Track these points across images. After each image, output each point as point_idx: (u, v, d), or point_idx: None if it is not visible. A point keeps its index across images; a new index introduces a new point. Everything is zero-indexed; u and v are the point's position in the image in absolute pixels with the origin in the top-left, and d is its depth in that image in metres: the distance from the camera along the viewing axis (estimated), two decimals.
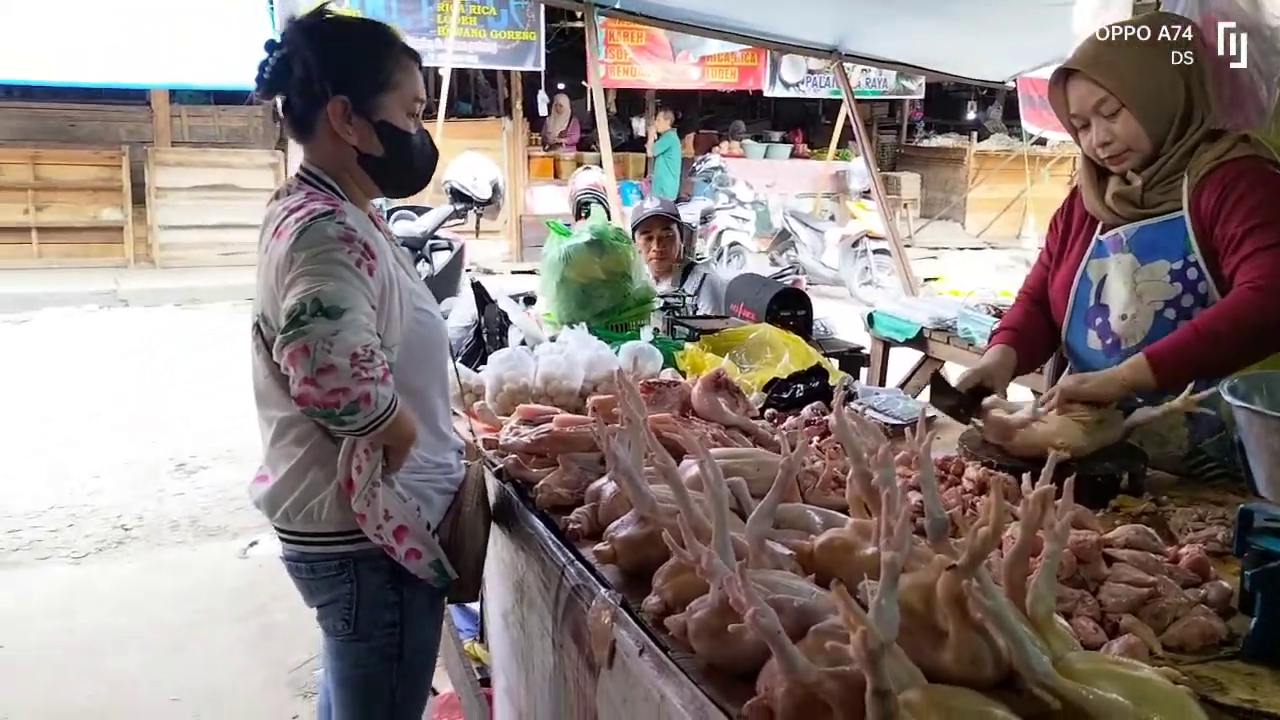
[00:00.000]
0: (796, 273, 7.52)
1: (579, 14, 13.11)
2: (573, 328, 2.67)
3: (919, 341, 4.04)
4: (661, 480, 1.49)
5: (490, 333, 2.70)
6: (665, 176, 13.53)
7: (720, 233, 11.32)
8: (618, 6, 5.80)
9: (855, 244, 11.75)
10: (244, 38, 10.58)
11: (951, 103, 19.28)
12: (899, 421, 2.36)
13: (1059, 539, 1.24)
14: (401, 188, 1.95)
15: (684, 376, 2.53)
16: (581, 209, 6.76)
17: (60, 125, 11.76)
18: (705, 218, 11.10)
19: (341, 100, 1.78)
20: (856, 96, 13.93)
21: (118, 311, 9.91)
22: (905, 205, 15.71)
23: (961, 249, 16.10)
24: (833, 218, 14.17)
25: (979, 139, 17.29)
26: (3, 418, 6.34)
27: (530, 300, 4.90)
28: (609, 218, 6.86)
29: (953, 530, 1.37)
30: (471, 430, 2.18)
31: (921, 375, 4.22)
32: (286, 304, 1.62)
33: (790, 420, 2.35)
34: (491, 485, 2.07)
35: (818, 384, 2.44)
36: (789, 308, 3.61)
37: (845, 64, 6.44)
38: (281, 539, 1.89)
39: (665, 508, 1.48)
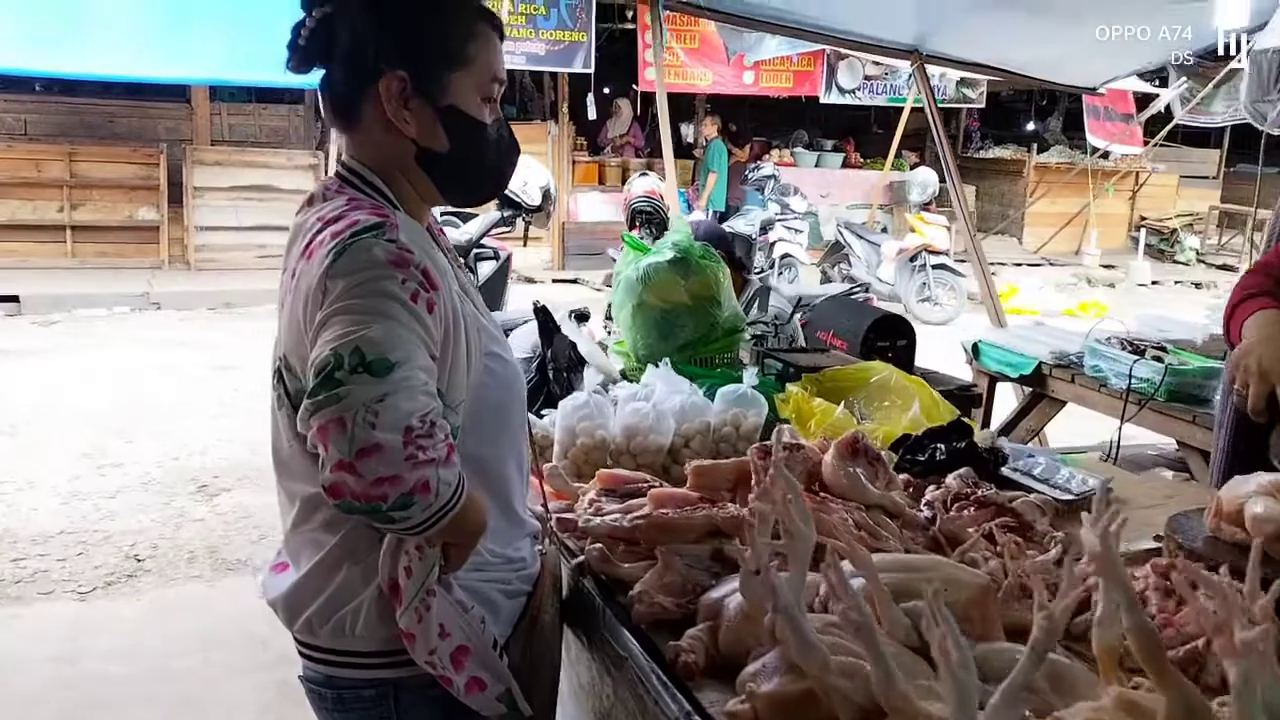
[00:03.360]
0: (866, 290, 7.01)
1: (630, 14, 12.73)
2: (657, 365, 2.21)
3: (1036, 378, 3.54)
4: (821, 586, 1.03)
5: (558, 369, 2.24)
6: (714, 185, 13.07)
7: (772, 244, 10.83)
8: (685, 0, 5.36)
9: (913, 259, 11.25)
10: (287, 35, 10.29)
11: (1009, 113, 18.69)
12: (1069, 496, 1.88)
13: None
14: (470, 193, 1.49)
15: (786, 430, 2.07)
16: (636, 218, 6.32)
17: (98, 121, 11.49)
18: (765, 228, 10.58)
19: (399, 77, 1.34)
20: (915, 105, 13.48)
21: (149, 315, 9.60)
22: (965, 216, 15.10)
23: (1019, 264, 15.46)
24: (884, 230, 13.63)
25: (1038, 151, 16.66)
26: (21, 430, 5.99)
27: (583, 317, 4.41)
28: (665, 229, 6.42)
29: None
30: (544, 503, 1.70)
31: (1035, 419, 3.70)
32: (317, 354, 1.18)
33: (931, 492, 1.88)
34: (564, 573, 1.61)
35: (963, 444, 1.96)
36: (887, 337, 3.15)
37: (924, 67, 5.95)
38: (302, 654, 1.43)
39: (842, 663, 1.02)
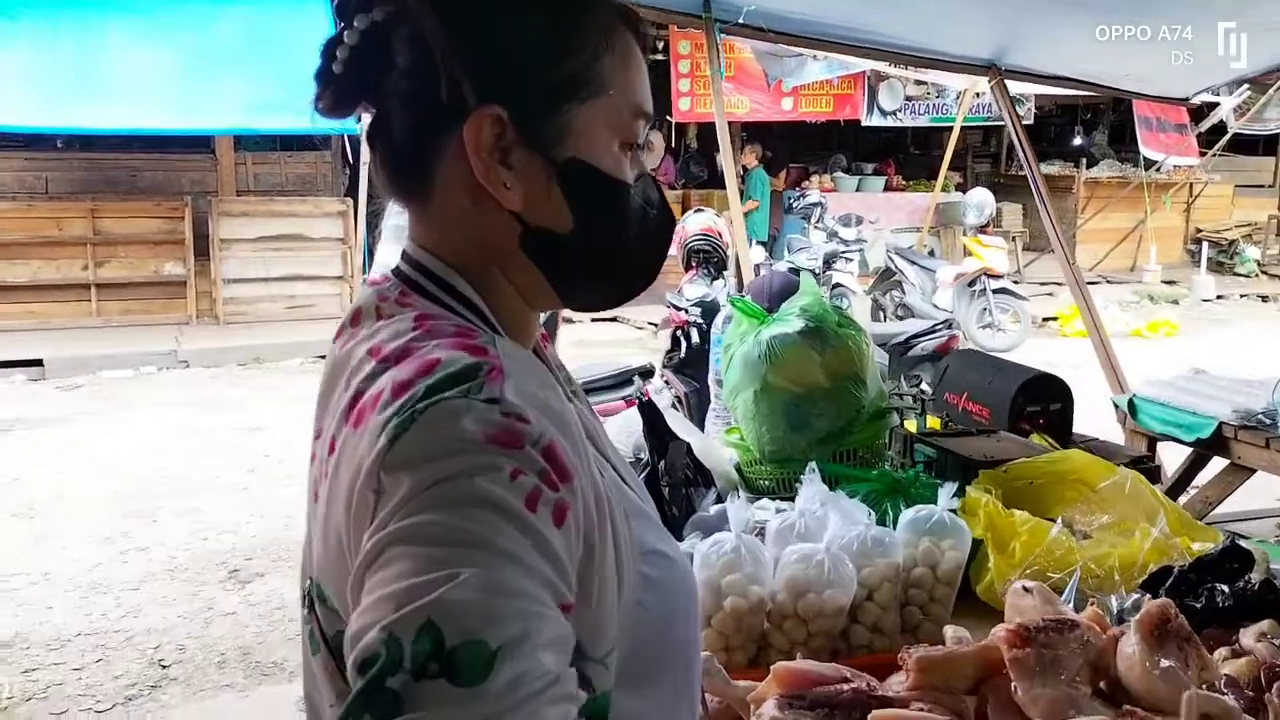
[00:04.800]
0: (949, 327, 6.44)
1: (661, 45, 12.33)
2: (788, 464, 1.70)
3: (1215, 441, 2.98)
4: None
5: (674, 486, 1.70)
6: (755, 214, 12.58)
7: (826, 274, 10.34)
8: (741, 21, 4.88)
9: (972, 283, 10.72)
10: (310, 80, 9.95)
11: (1051, 128, 18.08)
12: None
13: None
14: (606, 293, 0.96)
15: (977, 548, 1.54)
16: (692, 258, 5.84)
17: (121, 176, 11.21)
18: (829, 262, 10.09)
19: (493, 115, 0.83)
20: (964, 124, 12.97)
21: (176, 374, 9.20)
22: (1013, 238, 14.53)
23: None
24: (931, 253, 13.09)
25: (1087, 165, 16.05)
26: (39, 512, 5.55)
27: (646, 374, 3.90)
28: (725, 268, 5.92)
29: None
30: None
31: (1215, 489, 3.12)
32: (360, 629, 0.65)
33: (1226, 661, 1.34)
34: None
35: (1251, 583, 1.42)
36: (1038, 400, 2.62)
37: (1004, 83, 5.43)
38: None
39: None
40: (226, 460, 6.44)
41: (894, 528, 1.63)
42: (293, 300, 10.93)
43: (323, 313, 10.95)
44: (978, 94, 11.83)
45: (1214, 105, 12.04)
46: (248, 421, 7.41)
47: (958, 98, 12.66)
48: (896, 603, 1.47)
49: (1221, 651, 1.36)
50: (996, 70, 5.36)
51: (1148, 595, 1.49)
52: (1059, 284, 14.65)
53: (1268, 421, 2.81)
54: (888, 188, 15.05)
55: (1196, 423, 2.99)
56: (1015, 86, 9.06)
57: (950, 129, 12.97)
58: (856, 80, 12.64)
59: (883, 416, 2.00)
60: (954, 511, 1.54)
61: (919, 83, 12.70)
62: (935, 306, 10.91)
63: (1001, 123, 15.42)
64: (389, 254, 3.85)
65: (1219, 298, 14.12)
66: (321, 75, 0.87)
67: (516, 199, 0.85)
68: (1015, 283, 12.24)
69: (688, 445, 1.75)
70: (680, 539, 1.55)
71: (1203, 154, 14.40)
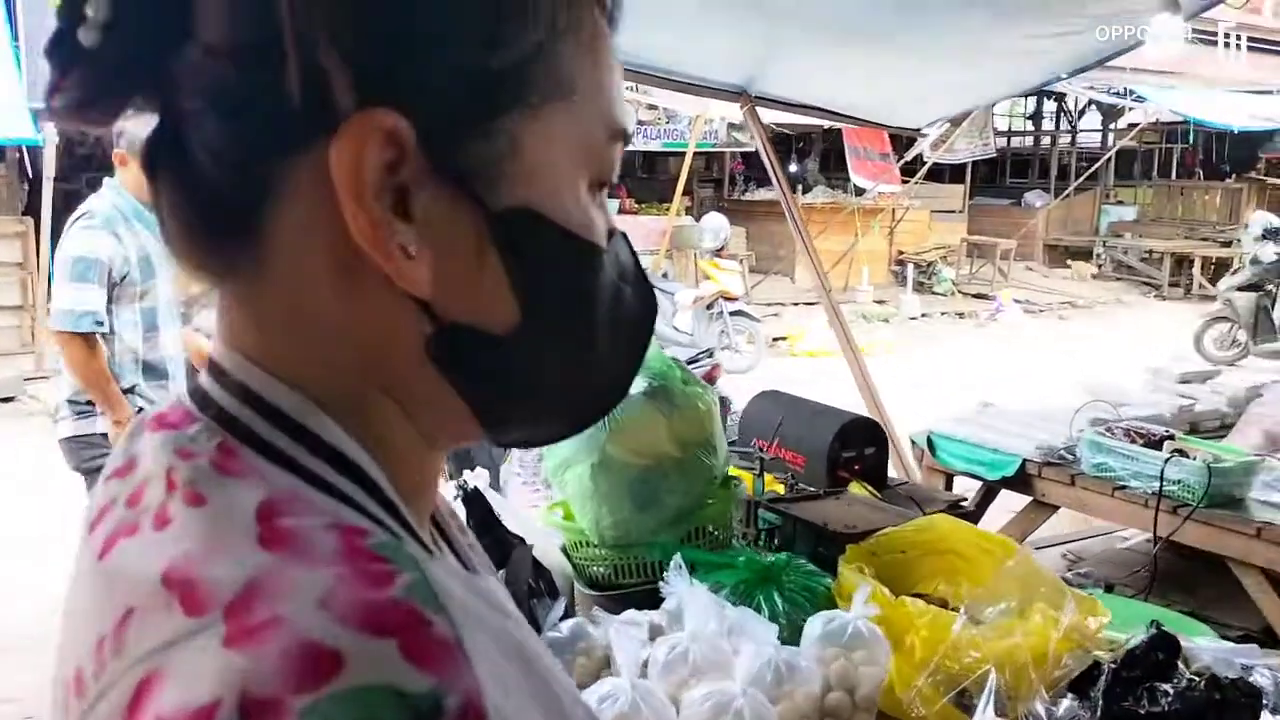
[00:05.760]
0: (710, 355, 6.32)
1: None
2: (634, 548, 1.38)
3: (1019, 479, 2.93)
4: None
5: (517, 601, 1.35)
6: None
7: None
8: None
9: (710, 306, 10.93)
10: None
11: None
12: None
13: None
14: (558, 421, 0.56)
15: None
16: None
17: None
18: None
19: (384, 125, 0.44)
20: (697, 150, 13.27)
21: None
22: (741, 261, 15.05)
23: (795, 304, 15.60)
24: (665, 276, 13.32)
25: (802, 192, 16.96)
26: None
27: None
28: None
29: None
30: None
31: (1017, 526, 3.08)
32: None
33: None
34: None
35: (1196, 681, 1.25)
36: (853, 445, 2.47)
37: (755, 109, 5.43)
38: None
39: None
40: None
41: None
42: None
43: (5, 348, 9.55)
44: (708, 120, 12.11)
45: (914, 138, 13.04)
46: None
47: (689, 123, 12.94)
48: None
49: None
50: (748, 96, 5.36)
51: (1074, 698, 1.30)
52: (782, 304, 15.37)
53: (1070, 458, 2.81)
54: (621, 210, 15.20)
55: (999, 460, 2.96)
56: (740, 116, 9.31)
57: (678, 154, 13.26)
58: None
59: (729, 485, 1.74)
60: (871, 621, 1.28)
61: (650, 107, 12.86)
62: (676, 329, 11.04)
63: (736, 149, 16.07)
64: (72, 298, 3.03)
65: (924, 315, 15.27)
66: (60, 50, 0.44)
67: (422, 276, 0.47)
68: (747, 304, 12.65)
69: (530, 549, 1.38)
70: None
71: (904, 182, 15.58)
